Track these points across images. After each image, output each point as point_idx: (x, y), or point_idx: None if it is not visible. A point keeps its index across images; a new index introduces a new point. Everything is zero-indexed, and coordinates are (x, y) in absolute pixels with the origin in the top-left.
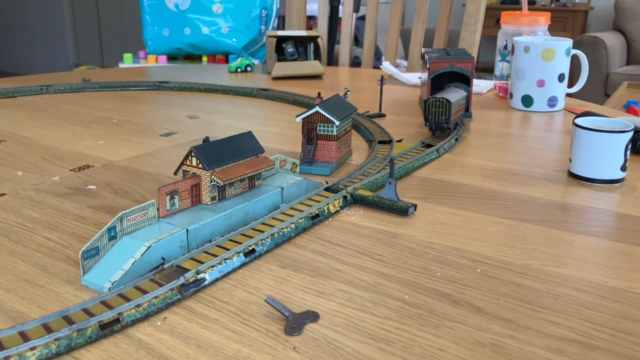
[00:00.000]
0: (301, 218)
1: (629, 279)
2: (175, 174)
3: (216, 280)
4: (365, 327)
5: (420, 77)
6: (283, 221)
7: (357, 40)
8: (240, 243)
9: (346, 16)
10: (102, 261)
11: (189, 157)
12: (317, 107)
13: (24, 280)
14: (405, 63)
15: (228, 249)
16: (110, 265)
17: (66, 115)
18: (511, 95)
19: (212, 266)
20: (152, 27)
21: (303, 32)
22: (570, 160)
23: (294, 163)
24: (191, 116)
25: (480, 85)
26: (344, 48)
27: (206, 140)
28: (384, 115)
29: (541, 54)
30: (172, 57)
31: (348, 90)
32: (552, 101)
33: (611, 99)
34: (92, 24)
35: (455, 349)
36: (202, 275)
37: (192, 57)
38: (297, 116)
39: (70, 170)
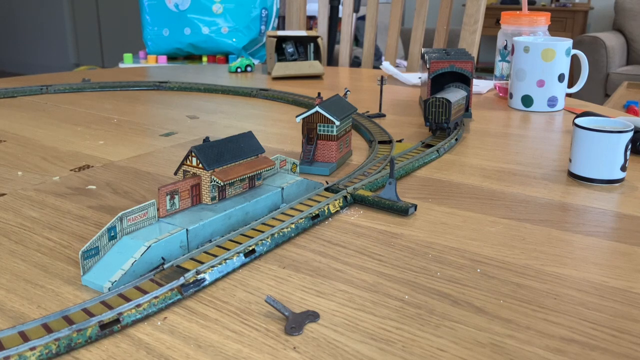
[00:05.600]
0: (301, 218)
1: (629, 279)
2: (175, 174)
3: (216, 280)
4: (365, 327)
5: (420, 77)
6: (283, 221)
7: (357, 40)
8: (240, 243)
9: (346, 16)
10: (102, 261)
11: (189, 157)
12: (317, 107)
13: (24, 280)
14: (405, 63)
15: (228, 249)
16: (110, 265)
17: (66, 115)
18: (511, 95)
19: (212, 266)
20: (152, 27)
21: (303, 32)
22: (570, 160)
23: (294, 163)
24: (191, 116)
25: (480, 85)
26: (344, 48)
27: (206, 140)
28: (384, 115)
29: (541, 54)
30: (172, 57)
31: (348, 91)
32: (552, 101)
33: (611, 99)
34: (92, 24)
35: (455, 349)
36: (202, 275)
37: (192, 57)
38: (297, 116)
39: (70, 170)
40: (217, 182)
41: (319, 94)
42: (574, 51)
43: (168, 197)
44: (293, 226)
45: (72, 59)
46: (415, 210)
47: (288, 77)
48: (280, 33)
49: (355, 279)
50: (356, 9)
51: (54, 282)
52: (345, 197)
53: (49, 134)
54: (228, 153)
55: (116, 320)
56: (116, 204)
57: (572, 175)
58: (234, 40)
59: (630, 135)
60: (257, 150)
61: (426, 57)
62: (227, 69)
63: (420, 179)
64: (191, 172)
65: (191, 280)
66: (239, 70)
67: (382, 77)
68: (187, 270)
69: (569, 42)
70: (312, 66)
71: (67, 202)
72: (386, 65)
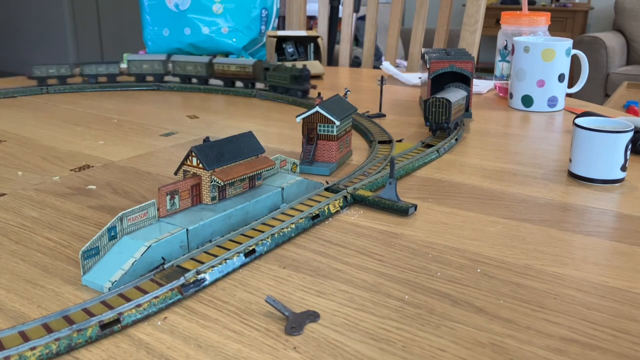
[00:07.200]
0: (301, 218)
1: (629, 279)
2: (175, 173)
3: (216, 280)
4: (365, 327)
5: (420, 77)
6: (283, 221)
7: (357, 40)
8: (241, 243)
9: (346, 16)
10: (102, 261)
11: (190, 157)
12: (317, 107)
13: (24, 280)
14: (405, 63)
15: (228, 249)
16: (111, 265)
17: (66, 115)
18: (511, 95)
19: (212, 266)
20: (152, 27)
21: (303, 32)
22: (570, 160)
23: (294, 163)
24: (191, 116)
25: (480, 85)
26: (344, 48)
27: (206, 140)
28: (384, 115)
29: (541, 54)
30: None
31: (348, 91)
32: (552, 101)
33: (611, 99)
34: (92, 24)
35: (455, 348)
36: (202, 275)
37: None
38: (297, 116)
39: (70, 170)
40: (217, 182)
41: (319, 94)
42: (574, 51)
43: (168, 197)
44: (293, 226)
45: (72, 59)
46: (415, 210)
47: None
48: (280, 33)
49: (355, 279)
50: (356, 9)
51: (54, 282)
52: (345, 197)
53: (49, 134)
54: (228, 153)
55: (116, 320)
56: (116, 204)
57: (572, 175)
58: (234, 40)
59: (630, 135)
60: (257, 150)
61: (426, 57)
62: None
63: (420, 179)
64: (191, 172)
65: (191, 280)
66: None
67: (382, 77)
68: (187, 270)
69: (569, 42)
70: (312, 66)
71: (67, 202)
72: (386, 65)
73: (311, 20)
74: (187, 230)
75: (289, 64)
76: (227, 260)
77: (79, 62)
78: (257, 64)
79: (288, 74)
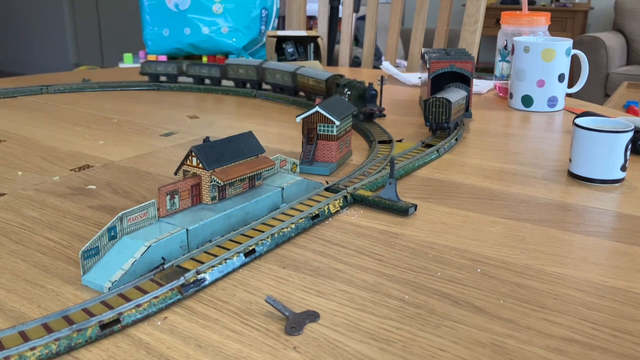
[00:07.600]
0: (301, 218)
1: (629, 279)
2: (175, 173)
3: (216, 280)
4: (365, 327)
5: (420, 77)
6: (283, 221)
7: (357, 40)
8: (241, 243)
9: (346, 16)
10: (102, 261)
11: (190, 157)
12: (317, 107)
13: (24, 280)
14: (405, 63)
15: (228, 249)
16: (111, 265)
17: (66, 115)
18: (511, 95)
19: (212, 266)
20: (152, 27)
21: (303, 32)
22: (570, 160)
23: (294, 163)
24: (191, 116)
25: (480, 85)
26: (344, 48)
27: (206, 140)
28: (384, 115)
29: (541, 54)
30: (172, 57)
31: (348, 91)
32: (552, 101)
33: (611, 99)
34: (92, 24)
35: (455, 348)
36: (202, 275)
37: (192, 57)
38: (297, 116)
39: (70, 170)
40: (217, 182)
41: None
42: (574, 51)
43: (168, 197)
44: (293, 226)
45: (72, 59)
46: (415, 210)
47: None
48: (280, 33)
49: (355, 279)
50: (356, 9)
51: (54, 282)
52: (345, 197)
53: (49, 134)
54: (228, 153)
55: (116, 320)
56: (116, 204)
57: (572, 175)
58: (234, 40)
59: (630, 135)
60: (257, 150)
61: (426, 57)
62: None
63: (420, 179)
64: (191, 172)
65: (191, 280)
66: None
67: (382, 77)
68: (187, 270)
69: (569, 42)
70: (312, 66)
71: (67, 202)
72: (386, 65)
73: (311, 20)
74: (187, 230)
75: (358, 82)
76: (227, 260)
77: (190, 62)
78: (330, 80)
79: (354, 93)
